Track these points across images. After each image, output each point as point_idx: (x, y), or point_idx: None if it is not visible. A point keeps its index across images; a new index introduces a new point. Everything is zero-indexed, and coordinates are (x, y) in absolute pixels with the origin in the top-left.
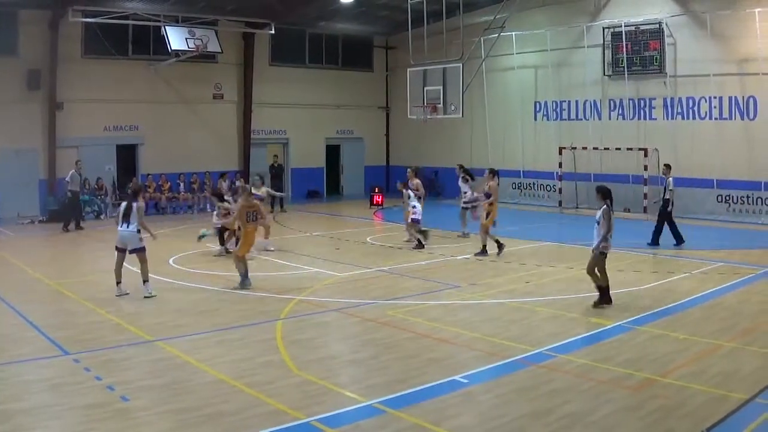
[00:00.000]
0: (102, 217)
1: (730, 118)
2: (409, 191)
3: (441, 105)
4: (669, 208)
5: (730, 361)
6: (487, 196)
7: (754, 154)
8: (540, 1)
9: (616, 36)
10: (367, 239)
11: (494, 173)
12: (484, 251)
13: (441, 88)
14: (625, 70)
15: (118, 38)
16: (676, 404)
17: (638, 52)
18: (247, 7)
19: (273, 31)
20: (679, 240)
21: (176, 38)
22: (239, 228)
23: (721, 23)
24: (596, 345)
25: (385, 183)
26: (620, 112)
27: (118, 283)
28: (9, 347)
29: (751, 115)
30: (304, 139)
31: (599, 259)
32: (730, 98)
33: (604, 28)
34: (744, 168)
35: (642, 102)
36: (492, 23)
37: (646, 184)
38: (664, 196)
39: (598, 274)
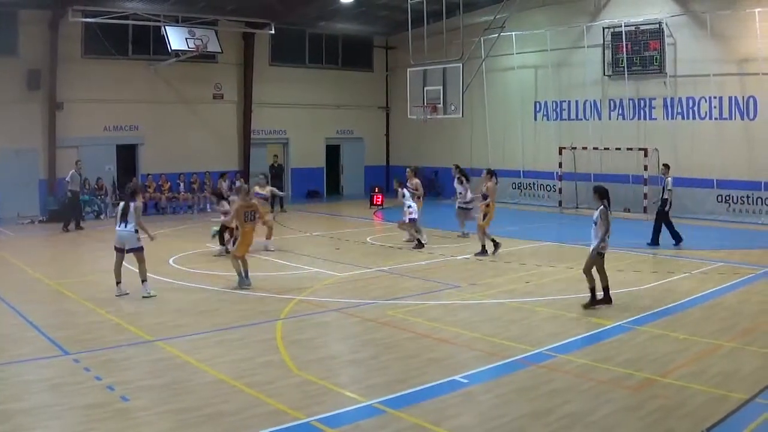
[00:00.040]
0: (102, 217)
1: (730, 118)
2: (404, 190)
3: (441, 105)
4: (666, 208)
5: (730, 361)
6: (484, 197)
7: (754, 154)
8: (540, 1)
9: (616, 36)
10: (367, 239)
11: (492, 174)
12: (483, 251)
13: (441, 88)
14: (625, 70)
15: (118, 38)
16: (676, 404)
17: (638, 52)
18: (247, 7)
19: (273, 31)
20: (677, 239)
21: (176, 38)
22: (237, 228)
23: (721, 23)
24: (596, 345)
25: (385, 183)
26: (620, 112)
27: (118, 283)
28: (9, 347)
29: (751, 115)
30: (304, 139)
31: (597, 259)
32: (730, 98)
33: (604, 28)
34: (744, 168)
35: (642, 102)
36: (492, 23)
37: (646, 184)
38: (662, 195)
39: (598, 274)
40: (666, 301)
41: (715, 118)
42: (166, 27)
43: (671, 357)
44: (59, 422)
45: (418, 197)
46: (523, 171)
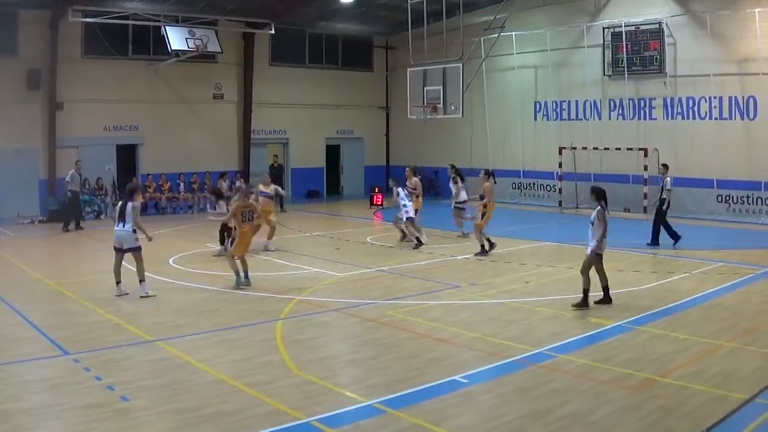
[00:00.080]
0: (102, 217)
1: (730, 118)
2: (398, 189)
3: (441, 105)
4: (664, 207)
5: (730, 361)
6: (481, 197)
7: (754, 154)
8: (540, 1)
9: (616, 36)
10: (367, 239)
11: (489, 174)
12: (483, 251)
13: (441, 88)
14: (625, 70)
15: (118, 38)
16: (676, 404)
17: (638, 52)
18: (247, 7)
19: (273, 31)
20: (675, 238)
21: (176, 38)
22: (235, 228)
23: (721, 23)
24: (596, 345)
25: (385, 183)
26: (620, 112)
27: (118, 283)
28: (9, 347)
29: (751, 115)
30: (304, 139)
31: (595, 260)
32: (730, 98)
33: (604, 28)
34: (744, 168)
35: (642, 102)
36: (492, 23)
37: (646, 184)
38: (661, 195)
39: (597, 274)
40: (666, 301)
41: (715, 118)
42: (166, 27)
43: (671, 357)
44: (59, 422)
45: (417, 196)
46: (523, 171)
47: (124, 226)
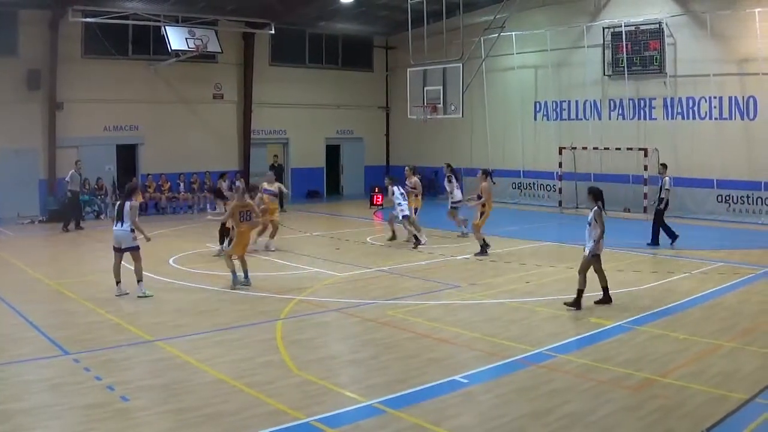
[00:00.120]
0: (102, 217)
1: (730, 118)
2: (394, 188)
3: (441, 105)
4: (661, 206)
5: (730, 361)
6: (479, 197)
7: (754, 154)
8: (540, 1)
9: (616, 36)
10: (367, 239)
11: (487, 174)
12: (483, 251)
13: (441, 88)
14: (625, 70)
15: (118, 38)
16: (676, 404)
17: (638, 52)
18: (247, 7)
19: (273, 31)
20: (672, 237)
21: (176, 38)
22: (233, 228)
23: (721, 23)
24: (596, 345)
25: (384, 183)
26: (620, 112)
27: (118, 282)
28: (9, 347)
29: (751, 115)
30: (304, 139)
31: (593, 260)
32: (730, 98)
33: (604, 28)
34: (744, 168)
35: (642, 102)
36: (492, 23)
37: (646, 184)
38: (659, 195)
39: (596, 274)
40: (666, 301)
41: (715, 118)
42: (166, 27)
43: (671, 357)
44: (59, 422)
45: (417, 195)
46: (523, 171)
47: (122, 226)
